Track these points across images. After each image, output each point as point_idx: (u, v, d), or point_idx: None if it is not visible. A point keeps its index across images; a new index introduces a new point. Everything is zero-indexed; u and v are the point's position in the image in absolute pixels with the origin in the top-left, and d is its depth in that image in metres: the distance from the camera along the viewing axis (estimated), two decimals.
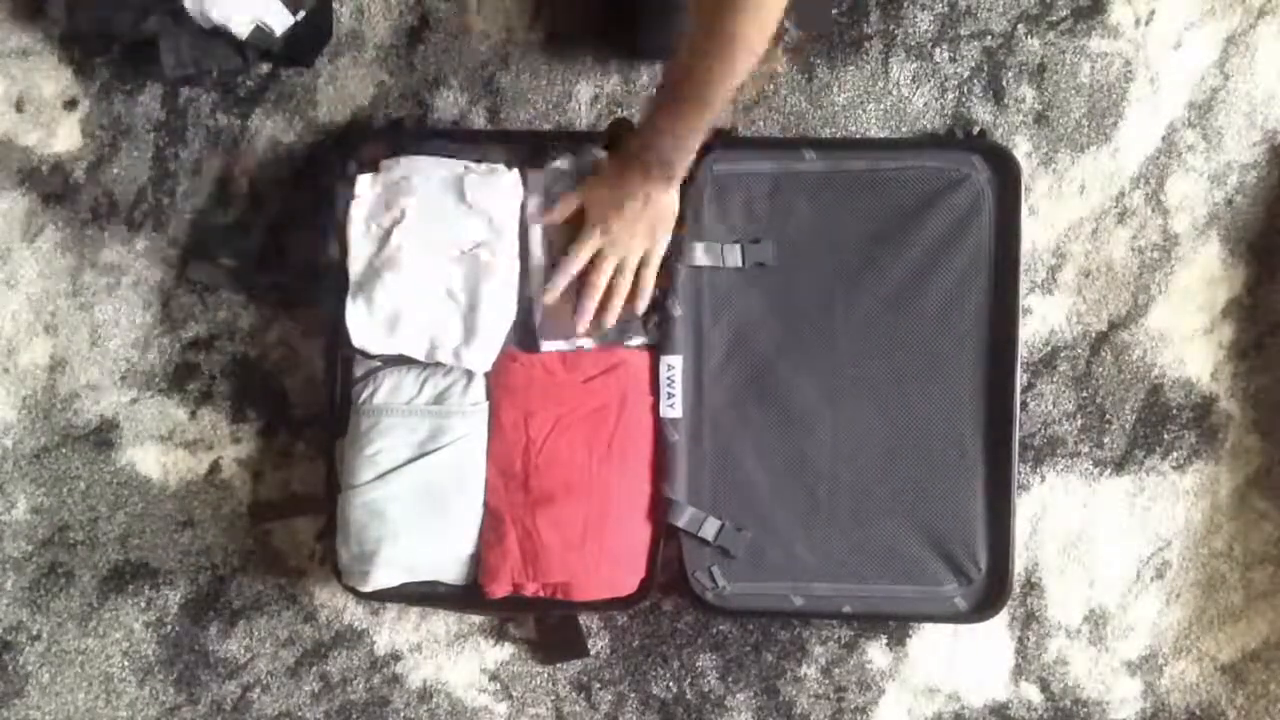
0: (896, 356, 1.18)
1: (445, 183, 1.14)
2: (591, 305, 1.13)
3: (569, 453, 1.14)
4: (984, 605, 1.20)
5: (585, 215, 1.12)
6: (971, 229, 1.18)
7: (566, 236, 1.14)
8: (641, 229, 1.11)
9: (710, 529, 1.18)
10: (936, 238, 1.18)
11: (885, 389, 1.19)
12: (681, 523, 1.17)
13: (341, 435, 1.16)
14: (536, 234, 1.15)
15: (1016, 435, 1.18)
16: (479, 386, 1.14)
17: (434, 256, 1.13)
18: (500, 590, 1.14)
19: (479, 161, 1.16)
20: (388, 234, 1.13)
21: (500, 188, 1.15)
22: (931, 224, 1.18)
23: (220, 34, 1.17)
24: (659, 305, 1.17)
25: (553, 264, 1.14)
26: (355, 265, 1.14)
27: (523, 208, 1.15)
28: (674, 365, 1.17)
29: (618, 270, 1.12)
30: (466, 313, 1.13)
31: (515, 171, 1.16)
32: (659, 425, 1.17)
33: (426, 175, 1.14)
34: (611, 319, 1.14)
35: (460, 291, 1.13)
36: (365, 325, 1.13)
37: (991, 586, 1.20)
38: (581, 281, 1.13)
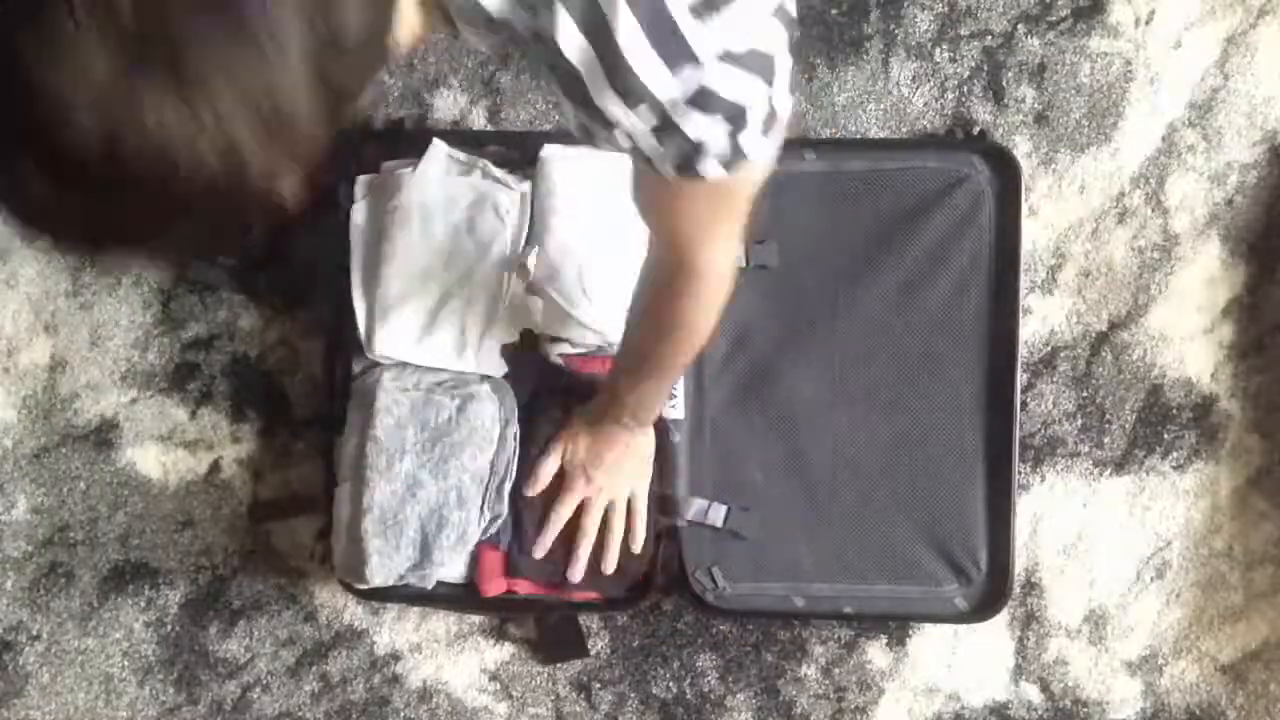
0: (897, 356, 1.18)
1: (450, 184, 1.14)
2: (585, 553, 1.14)
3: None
4: (984, 605, 1.20)
5: (564, 470, 1.13)
6: (972, 229, 1.18)
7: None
8: (625, 470, 1.13)
9: (718, 515, 1.18)
10: (937, 238, 1.18)
11: (886, 389, 1.19)
12: (689, 515, 1.17)
13: (340, 434, 1.16)
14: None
15: (1017, 435, 1.18)
16: (479, 385, 1.14)
17: (433, 257, 1.13)
18: (493, 589, 1.14)
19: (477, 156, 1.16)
20: (388, 235, 1.13)
21: (497, 186, 1.15)
22: (932, 224, 1.18)
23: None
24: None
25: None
26: (355, 266, 1.14)
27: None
28: None
29: (608, 513, 1.14)
30: (468, 313, 1.13)
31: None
32: (661, 426, 1.17)
33: (426, 175, 1.14)
34: (611, 564, 1.14)
35: (461, 291, 1.13)
36: (377, 332, 1.12)
37: (992, 586, 1.20)
38: (570, 529, 1.14)
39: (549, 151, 1.14)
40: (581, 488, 1.13)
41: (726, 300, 0.88)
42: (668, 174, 0.67)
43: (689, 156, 0.65)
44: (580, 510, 1.13)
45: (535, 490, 1.14)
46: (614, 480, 1.13)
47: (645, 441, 1.14)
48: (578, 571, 1.14)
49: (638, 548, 1.15)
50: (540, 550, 1.14)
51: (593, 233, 1.13)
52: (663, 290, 0.87)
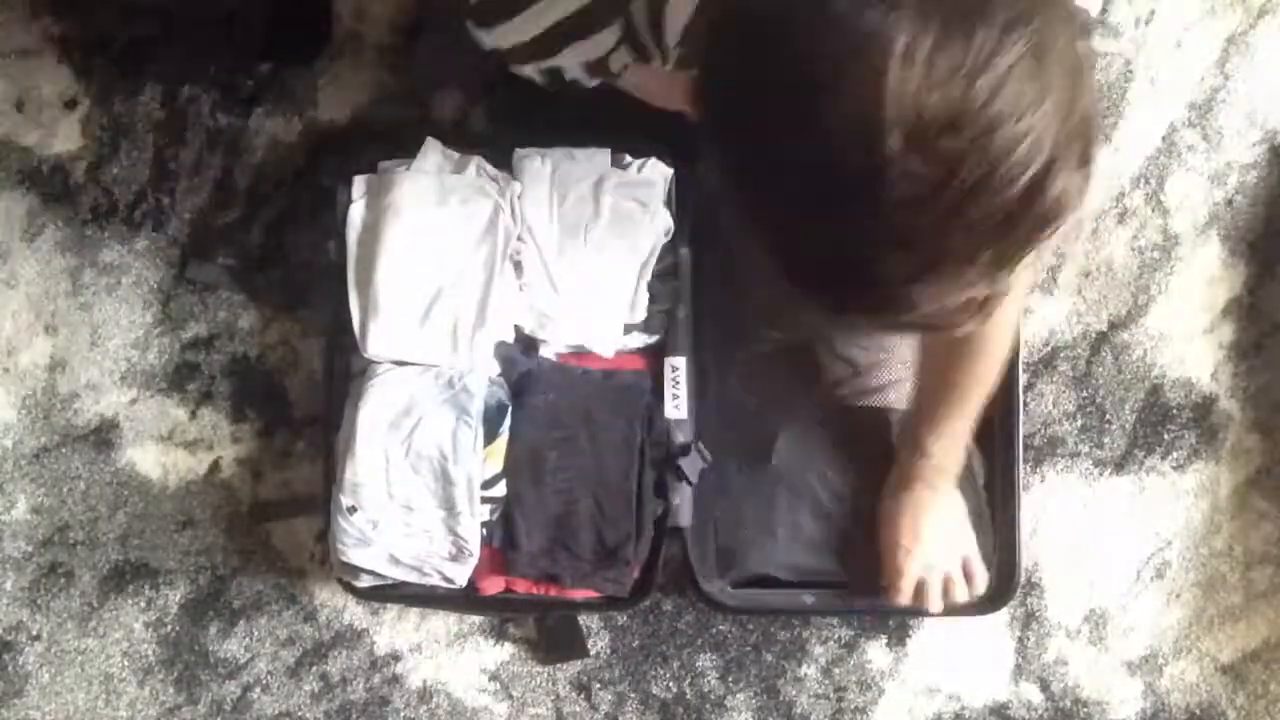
0: (898, 348, 1.18)
1: (443, 182, 1.14)
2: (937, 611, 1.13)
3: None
4: (993, 598, 1.19)
5: (891, 557, 1.11)
6: None
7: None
8: (950, 535, 1.12)
9: (720, 513, 1.18)
10: None
11: (889, 381, 1.18)
12: (685, 521, 1.17)
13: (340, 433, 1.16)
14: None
15: (1020, 427, 1.18)
16: (477, 383, 1.14)
17: (426, 254, 1.13)
18: (491, 587, 1.14)
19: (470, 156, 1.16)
20: (381, 233, 1.13)
21: (490, 185, 1.15)
22: None
23: (216, 31, 1.17)
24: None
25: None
26: (351, 266, 1.14)
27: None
28: (678, 366, 1.17)
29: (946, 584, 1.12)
30: (460, 311, 1.13)
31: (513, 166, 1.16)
32: (663, 428, 1.17)
33: (420, 173, 1.14)
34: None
35: (454, 289, 1.13)
36: (370, 330, 1.12)
37: (1000, 578, 1.19)
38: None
39: (521, 153, 1.16)
40: (914, 568, 1.10)
41: (1006, 356, 0.89)
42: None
43: None
44: (918, 590, 1.11)
45: (903, 599, 1.11)
46: (941, 551, 1.11)
47: (957, 501, 1.12)
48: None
49: (980, 589, 1.14)
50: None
51: (562, 233, 1.14)
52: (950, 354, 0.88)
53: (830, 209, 0.46)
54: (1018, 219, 0.45)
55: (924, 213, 0.44)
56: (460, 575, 1.12)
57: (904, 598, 1.11)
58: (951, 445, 1.07)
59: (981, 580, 1.14)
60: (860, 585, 1.16)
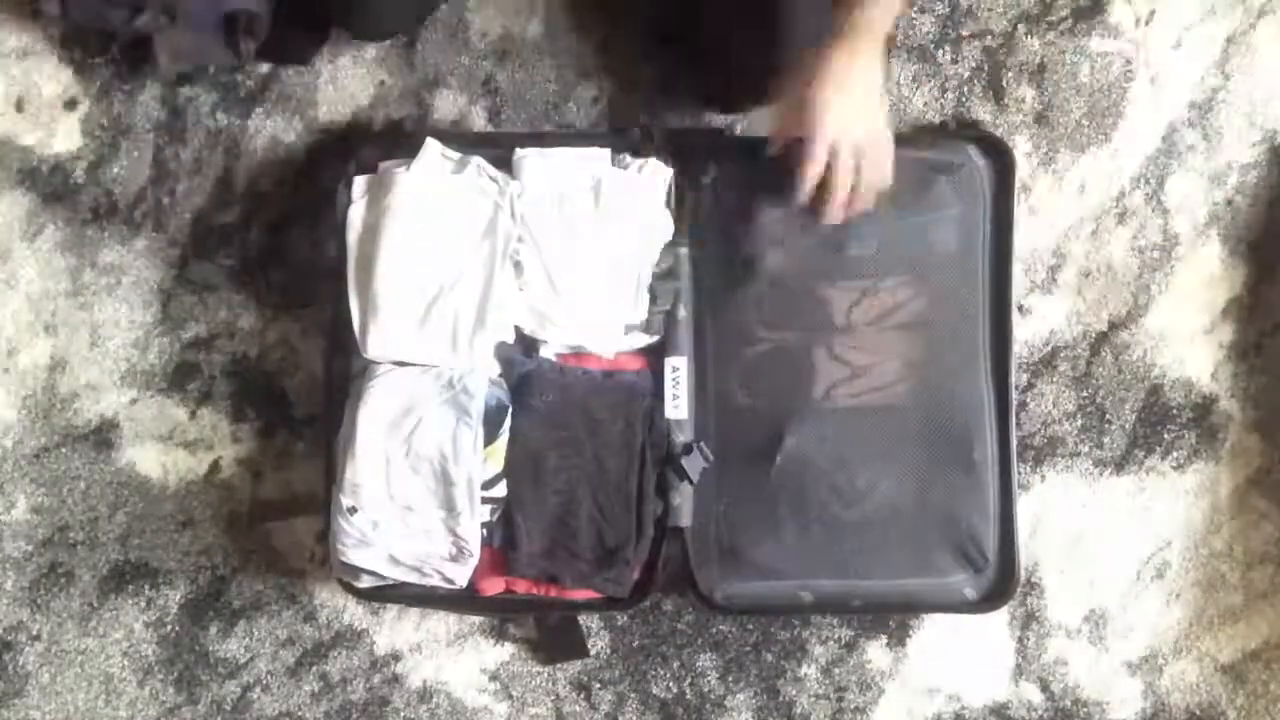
0: (898, 348, 1.18)
1: (443, 182, 1.14)
2: (841, 201, 1.06)
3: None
4: (993, 594, 1.20)
5: (805, 112, 1.02)
6: (968, 217, 1.18)
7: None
8: (866, 102, 1.03)
9: (722, 511, 1.18)
10: (934, 228, 1.18)
11: (888, 382, 1.19)
12: (685, 521, 1.17)
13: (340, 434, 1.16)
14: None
15: (1014, 422, 1.18)
16: (476, 384, 1.14)
17: (425, 255, 1.13)
18: (491, 588, 1.14)
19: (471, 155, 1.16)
20: (381, 233, 1.13)
21: (489, 185, 1.15)
22: (929, 214, 1.18)
23: (215, 30, 1.17)
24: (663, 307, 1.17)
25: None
26: (351, 266, 1.14)
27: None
28: (679, 366, 1.17)
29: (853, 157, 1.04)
30: (460, 311, 1.13)
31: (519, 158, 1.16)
32: (663, 430, 1.17)
33: (420, 174, 1.14)
34: (870, 202, 1.08)
35: (453, 289, 1.13)
36: (370, 331, 1.12)
37: (1000, 575, 1.19)
38: (820, 185, 1.05)
39: (521, 154, 1.16)
40: (831, 126, 1.01)
41: None
42: None
43: None
44: (829, 167, 1.04)
45: (807, 180, 1.04)
46: (860, 115, 1.02)
47: (879, 70, 1.03)
48: (836, 216, 1.06)
49: (886, 181, 1.07)
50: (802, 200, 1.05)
51: (562, 233, 1.14)
52: None
53: None
54: None
55: None
56: (460, 576, 1.12)
57: (817, 161, 1.03)
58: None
59: (888, 161, 1.07)
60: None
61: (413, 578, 1.13)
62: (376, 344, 1.12)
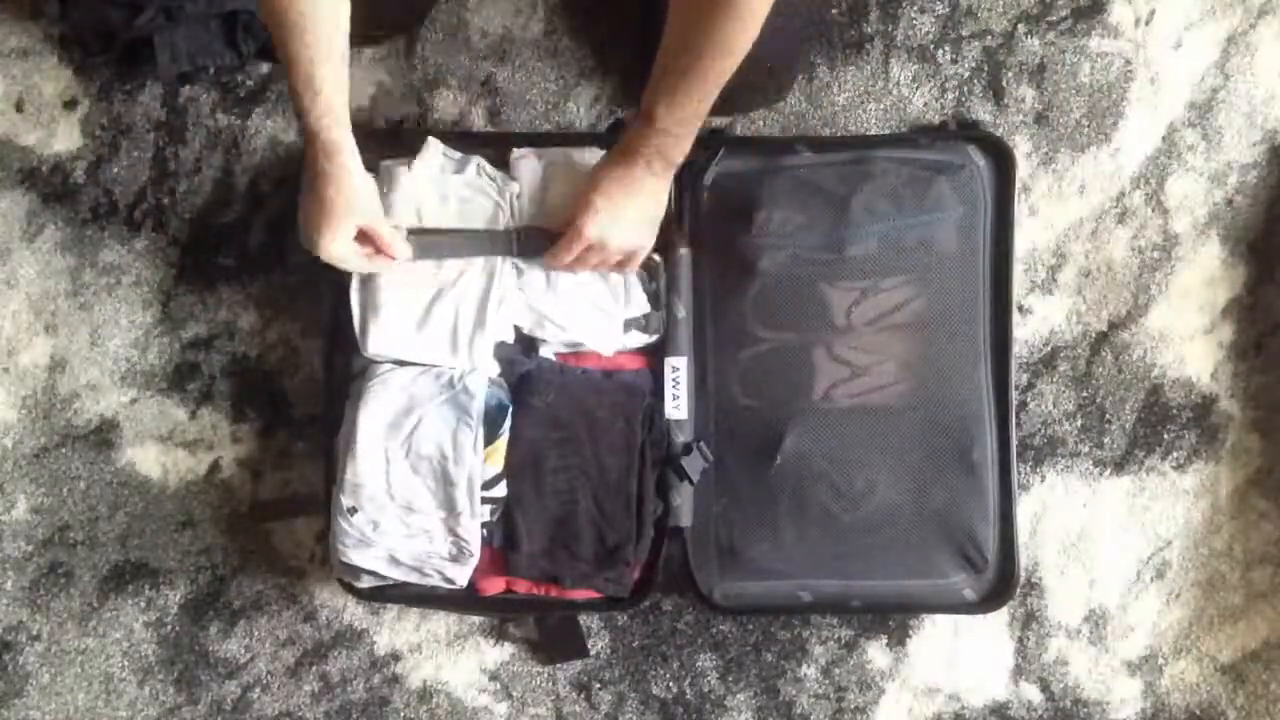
0: (898, 348, 1.18)
1: (443, 182, 1.14)
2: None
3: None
4: (993, 595, 1.20)
5: (577, 211, 1.07)
6: (968, 218, 1.18)
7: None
8: (633, 221, 1.09)
9: (721, 512, 1.18)
10: (935, 228, 1.18)
11: (887, 382, 1.19)
12: (685, 521, 1.17)
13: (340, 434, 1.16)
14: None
15: (1014, 422, 1.19)
16: (477, 383, 1.14)
17: (434, 262, 1.13)
18: (491, 588, 1.14)
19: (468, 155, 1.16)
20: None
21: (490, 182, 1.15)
22: (929, 214, 1.18)
23: (215, 30, 1.17)
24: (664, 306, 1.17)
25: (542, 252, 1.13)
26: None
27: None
28: (678, 367, 1.17)
29: (603, 264, 1.11)
30: (460, 310, 1.13)
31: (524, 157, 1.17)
32: (663, 429, 1.17)
33: (420, 173, 1.14)
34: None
35: (453, 288, 1.13)
36: (370, 330, 1.12)
37: (1000, 576, 1.19)
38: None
39: (518, 154, 1.16)
40: (590, 232, 1.06)
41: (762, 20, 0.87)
42: None
43: None
44: (578, 261, 1.10)
45: (556, 264, 1.10)
46: (627, 235, 1.08)
47: (662, 196, 1.08)
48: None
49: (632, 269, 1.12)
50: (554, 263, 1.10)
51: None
52: None
53: None
54: None
55: None
56: (461, 576, 1.12)
57: (568, 254, 1.08)
58: (683, 120, 1.00)
59: (638, 262, 1.11)
60: None
61: (413, 578, 1.13)
62: (376, 342, 1.12)
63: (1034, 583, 1.26)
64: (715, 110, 1.01)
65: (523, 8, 1.24)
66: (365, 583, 1.14)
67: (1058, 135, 1.24)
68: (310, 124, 0.99)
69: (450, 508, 1.10)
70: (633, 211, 1.08)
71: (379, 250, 1.08)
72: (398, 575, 1.13)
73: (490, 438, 1.12)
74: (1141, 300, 1.25)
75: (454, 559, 1.11)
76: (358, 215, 1.03)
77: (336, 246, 1.03)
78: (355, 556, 1.11)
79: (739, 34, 0.93)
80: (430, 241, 1.13)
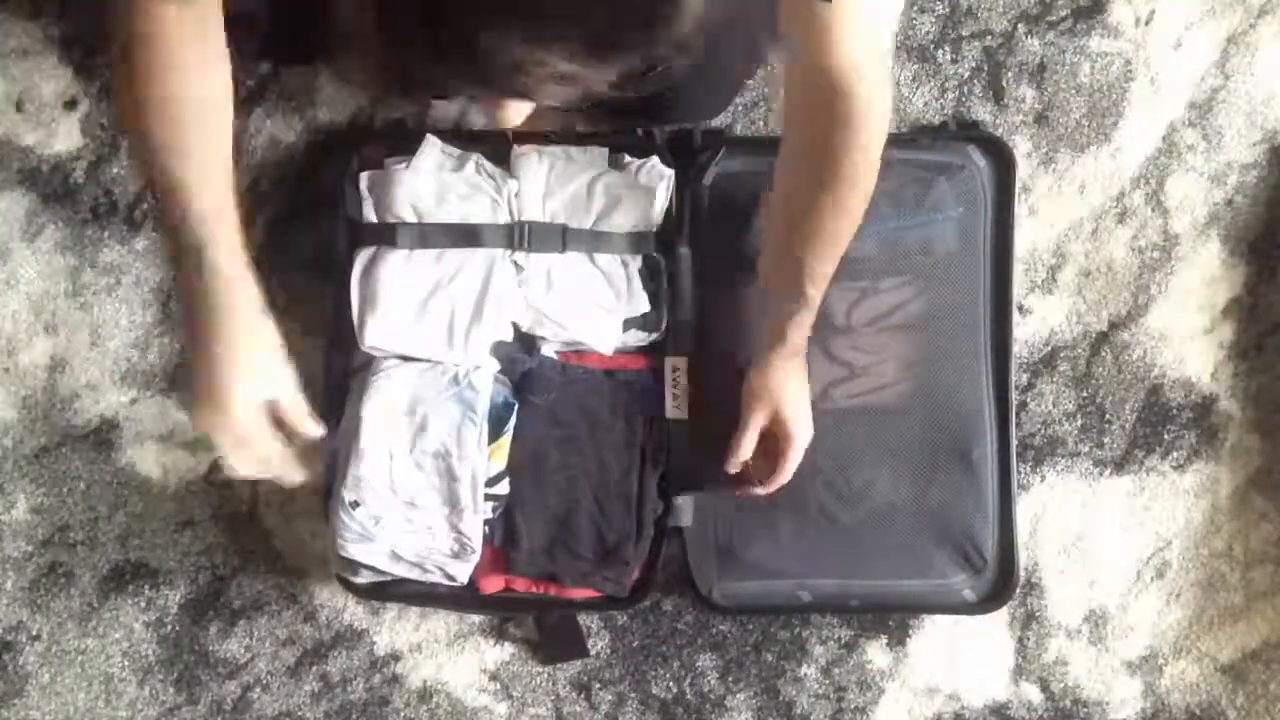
0: (897, 348, 1.18)
1: (442, 180, 1.14)
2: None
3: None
4: (992, 596, 1.20)
5: (797, 427, 1.08)
6: (968, 218, 1.18)
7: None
8: (797, 403, 1.09)
9: (720, 513, 1.18)
10: (934, 229, 1.18)
11: (887, 382, 1.19)
12: (685, 521, 1.17)
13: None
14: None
15: (1014, 422, 1.18)
16: (482, 380, 1.14)
17: (431, 254, 1.13)
18: (490, 586, 1.14)
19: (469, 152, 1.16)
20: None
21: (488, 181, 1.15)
22: (929, 214, 1.18)
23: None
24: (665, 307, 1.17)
25: None
26: (355, 263, 1.14)
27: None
28: (678, 366, 1.17)
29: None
30: (457, 306, 1.13)
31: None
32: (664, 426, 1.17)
33: (420, 169, 1.14)
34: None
35: (450, 284, 1.13)
36: (368, 323, 1.13)
37: (1000, 576, 1.19)
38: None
39: (518, 152, 1.16)
40: (760, 419, 1.07)
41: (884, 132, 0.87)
42: None
43: None
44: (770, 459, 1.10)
45: (736, 464, 1.10)
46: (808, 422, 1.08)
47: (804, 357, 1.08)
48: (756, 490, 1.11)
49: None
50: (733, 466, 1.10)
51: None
52: (818, 137, 0.85)
53: None
54: None
55: None
56: (462, 572, 1.12)
57: (747, 449, 1.09)
58: (824, 291, 1.01)
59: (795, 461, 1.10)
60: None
61: (414, 574, 1.13)
62: (374, 334, 1.12)
63: (1034, 583, 1.26)
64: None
65: None
66: (364, 578, 1.14)
67: (1058, 135, 1.24)
68: (209, 259, 0.85)
69: (453, 503, 1.10)
70: (803, 394, 1.09)
71: (289, 429, 0.96)
72: (399, 571, 1.13)
73: (495, 435, 1.12)
74: (1141, 300, 1.25)
75: (456, 555, 1.11)
76: (270, 376, 0.90)
77: (247, 417, 0.89)
78: (356, 551, 1.11)
79: (857, 202, 0.94)
80: (428, 235, 1.13)
